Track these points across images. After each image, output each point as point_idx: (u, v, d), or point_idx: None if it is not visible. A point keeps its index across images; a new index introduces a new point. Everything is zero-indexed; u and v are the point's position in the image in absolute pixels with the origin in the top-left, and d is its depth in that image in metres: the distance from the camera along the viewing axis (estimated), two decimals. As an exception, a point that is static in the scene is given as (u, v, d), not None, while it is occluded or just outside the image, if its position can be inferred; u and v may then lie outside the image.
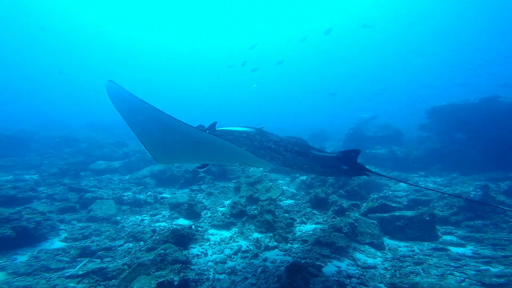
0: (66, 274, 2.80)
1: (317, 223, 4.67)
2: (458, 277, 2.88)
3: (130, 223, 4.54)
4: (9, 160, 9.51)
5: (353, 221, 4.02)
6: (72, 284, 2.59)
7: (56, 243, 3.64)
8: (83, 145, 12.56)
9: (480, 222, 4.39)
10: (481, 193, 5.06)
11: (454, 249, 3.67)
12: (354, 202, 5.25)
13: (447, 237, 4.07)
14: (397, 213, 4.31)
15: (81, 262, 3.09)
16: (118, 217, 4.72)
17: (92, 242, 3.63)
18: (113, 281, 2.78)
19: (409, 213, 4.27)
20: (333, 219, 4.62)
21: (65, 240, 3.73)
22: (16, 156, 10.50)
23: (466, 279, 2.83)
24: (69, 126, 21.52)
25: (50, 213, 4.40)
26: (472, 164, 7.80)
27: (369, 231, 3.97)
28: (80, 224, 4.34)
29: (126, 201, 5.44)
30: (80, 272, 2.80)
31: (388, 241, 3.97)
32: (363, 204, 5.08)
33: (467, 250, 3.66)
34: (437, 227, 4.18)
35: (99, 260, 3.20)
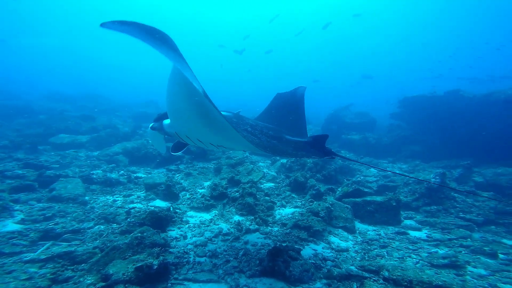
0: (25, 258, 2.54)
1: (295, 206, 4.83)
2: (414, 259, 3.25)
3: (100, 204, 4.24)
4: None
5: (330, 206, 4.23)
6: (33, 269, 2.36)
7: (10, 226, 3.26)
8: (41, 117, 11.19)
9: (435, 207, 4.93)
10: (439, 180, 5.59)
11: (412, 233, 4.09)
12: (330, 187, 5.51)
13: (408, 222, 4.51)
14: (368, 198, 4.63)
15: (43, 246, 2.81)
16: (87, 197, 4.37)
17: (57, 224, 3.32)
18: (82, 265, 2.60)
19: (378, 198, 4.61)
20: (311, 203, 4.81)
21: (21, 222, 3.36)
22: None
23: (420, 261, 3.20)
24: (22, 96, 18.72)
25: (1, 192, 3.88)
26: (432, 152, 8.62)
27: (343, 215, 4.23)
28: (41, 204, 3.92)
29: (95, 180, 5.03)
30: (43, 256, 2.56)
31: (358, 225, 4.28)
32: (338, 189, 5.36)
33: (423, 233, 4.12)
34: (401, 212, 4.59)
35: (65, 243, 2.95)
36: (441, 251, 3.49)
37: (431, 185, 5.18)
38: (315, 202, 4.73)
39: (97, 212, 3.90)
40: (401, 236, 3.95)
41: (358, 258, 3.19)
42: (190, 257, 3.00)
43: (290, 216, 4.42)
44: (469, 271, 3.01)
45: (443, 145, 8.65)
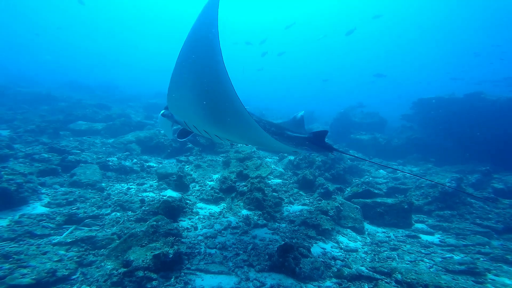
0: (53, 241, 2.73)
1: (303, 204, 4.85)
2: (427, 263, 3.20)
3: (116, 191, 4.43)
4: (-24, 112, 8.64)
5: (339, 205, 4.22)
6: (62, 252, 2.54)
7: (39, 208, 3.48)
8: (61, 104, 11.65)
9: (448, 212, 4.80)
10: (455, 185, 5.43)
11: (424, 237, 4.02)
12: (338, 186, 5.48)
13: (419, 225, 4.44)
14: (378, 200, 4.58)
15: (67, 230, 3.00)
16: (103, 184, 4.56)
17: (78, 209, 3.51)
18: (102, 250, 2.76)
19: (389, 200, 4.54)
20: (319, 202, 4.82)
21: (48, 205, 3.57)
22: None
23: (434, 266, 3.15)
24: (44, 84, 19.58)
25: (30, 175, 4.13)
26: (446, 156, 8.33)
27: (352, 215, 4.21)
28: (63, 188, 4.15)
29: (111, 167, 5.23)
30: (68, 240, 2.73)
31: (367, 226, 4.26)
32: (347, 189, 5.32)
33: (435, 238, 4.04)
34: (412, 215, 4.51)
35: (86, 228, 3.13)
36: (457, 257, 3.41)
37: (446, 189, 5.04)
38: (323, 201, 4.75)
39: (113, 199, 4.08)
40: (412, 240, 3.90)
41: (368, 259, 3.20)
42: (201, 248, 3.11)
43: (298, 213, 4.45)
44: (490, 279, 2.91)
45: (458, 150, 8.33)
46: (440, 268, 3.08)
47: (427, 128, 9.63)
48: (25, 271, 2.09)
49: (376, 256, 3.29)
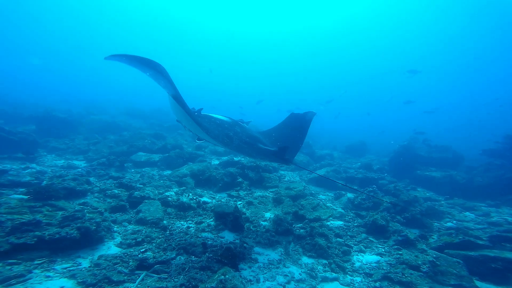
0: (128, 290, 2.72)
1: (378, 253, 4.20)
2: None
3: (177, 230, 4.46)
4: (62, 143, 10.26)
5: (434, 260, 3.51)
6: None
7: (113, 248, 3.64)
8: (125, 134, 13.16)
9: None
10: None
11: None
12: (419, 232, 4.66)
13: None
14: (490, 254, 3.71)
15: (139, 276, 3.01)
16: (165, 221, 4.67)
17: (146, 251, 3.57)
18: (172, 304, 2.64)
19: (509, 254, 3.65)
20: (398, 251, 4.16)
21: (120, 245, 3.72)
22: (67, 139, 11.32)
23: None
24: (108, 111, 22.72)
25: (105, 212, 4.47)
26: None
27: (454, 271, 3.48)
28: (131, 226, 4.35)
29: (170, 203, 5.40)
30: (141, 291, 2.70)
31: (480, 284, 3.43)
32: (433, 236, 4.47)
33: None
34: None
35: (155, 275, 3.10)
36: None
37: None
38: (403, 250, 4.12)
39: (175, 239, 4.09)
40: None
41: None
42: (271, 310, 2.78)
43: (374, 265, 3.86)
44: None
45: None
46: None
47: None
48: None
49: None
